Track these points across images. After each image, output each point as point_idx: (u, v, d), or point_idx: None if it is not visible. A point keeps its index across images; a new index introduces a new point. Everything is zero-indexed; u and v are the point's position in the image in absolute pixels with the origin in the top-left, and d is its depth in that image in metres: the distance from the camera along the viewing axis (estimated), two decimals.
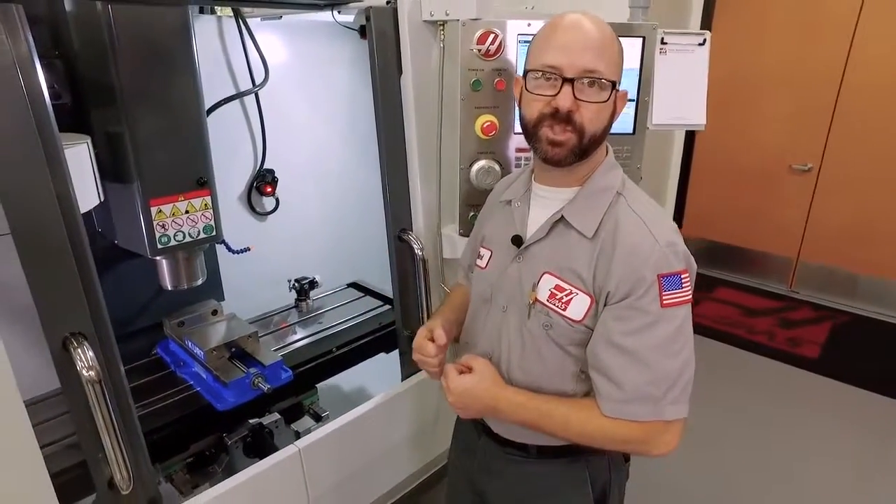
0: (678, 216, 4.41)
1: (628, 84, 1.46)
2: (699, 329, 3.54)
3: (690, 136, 4.15)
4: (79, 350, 1.03)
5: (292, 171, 2.29)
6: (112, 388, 1.13)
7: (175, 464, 1.53)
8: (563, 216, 0.99)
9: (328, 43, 2.16)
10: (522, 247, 1.03)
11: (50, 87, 1.40)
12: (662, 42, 1.51)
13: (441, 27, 1.52)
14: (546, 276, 1.00)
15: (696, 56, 1.55)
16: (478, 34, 1.43)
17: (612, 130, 1.49)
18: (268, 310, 2.14)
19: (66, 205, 1.03)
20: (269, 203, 2.29)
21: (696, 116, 1.57)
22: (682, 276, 0.92)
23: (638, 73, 1.47)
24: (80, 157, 1.31)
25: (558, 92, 0.92)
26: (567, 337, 0.99)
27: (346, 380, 2.19)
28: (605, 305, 0.94)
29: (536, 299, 1.00)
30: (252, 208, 2.25)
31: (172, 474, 1.52)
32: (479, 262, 1.14)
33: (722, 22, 3.88)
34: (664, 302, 0.91)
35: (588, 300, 0.96)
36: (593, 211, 0.97)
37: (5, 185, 0.95)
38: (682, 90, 1.54)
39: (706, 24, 3.89)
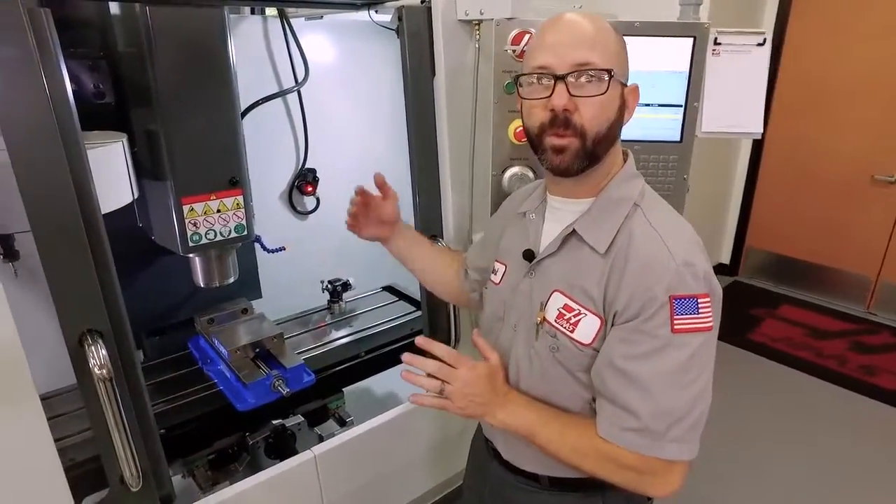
0: (741, 226, 4.15)
1: (675, 88, 1.37)
2: (759, 349, 3.36)
3: (759, 142, 3.89)
4: (92, 347, 1.04)
5: (334, 170, 2.29)
6: (127, 386, 1.14)
7: (198, 459, 1.54)
8: (574, 230, 0.92)
9: (371, 43, 2.14)
10: (534, 262, 0.97)
11: (94, 88, 1.46)
12: (716, 42, 1.39)
13: (476, 27, 1.46)
14: (556, 294, 0.93)
15: (755, 57, 1.42)
16: (512, 34, 1.37)
17: (656, 138, 1.42)
18: (305, 309, 2.15)
19: (86, 204, 1.05)
20: (309, 202, 2.31)
21: (752, 124, 1.44)
22: (700, 301, 0.82)
23: (687, 76, 1.36)
24: (114, 155, 1.34)
25: (552, 92, 0.85)
26: (575, 361, 0.91)
27: (377, 383, 2.17)
28: (612, 325, 0.87)
29: (544, 319, 0.93)
30: (293, 207, 2.27)
31: (194, 469, 1.54)
32: (493, 277, 1.08)
33: (800, 21, 3.61)
34: (675, 327, 0.82)
35: (598, 322, 0.88)
36: (607, 224, 0.89)
37: (26, 183, 0.97)
38: (736, 95, 1.41)
39: (781, 24, 3.63)
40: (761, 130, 1.45)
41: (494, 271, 1.08)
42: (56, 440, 1.24)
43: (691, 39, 1.34)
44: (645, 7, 1.69)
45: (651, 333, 0.83)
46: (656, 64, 1.36)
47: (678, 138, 1.40)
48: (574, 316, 0.90)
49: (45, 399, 1.40)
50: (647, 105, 1.39)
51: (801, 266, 3.96)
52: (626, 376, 0.84)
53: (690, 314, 0.82)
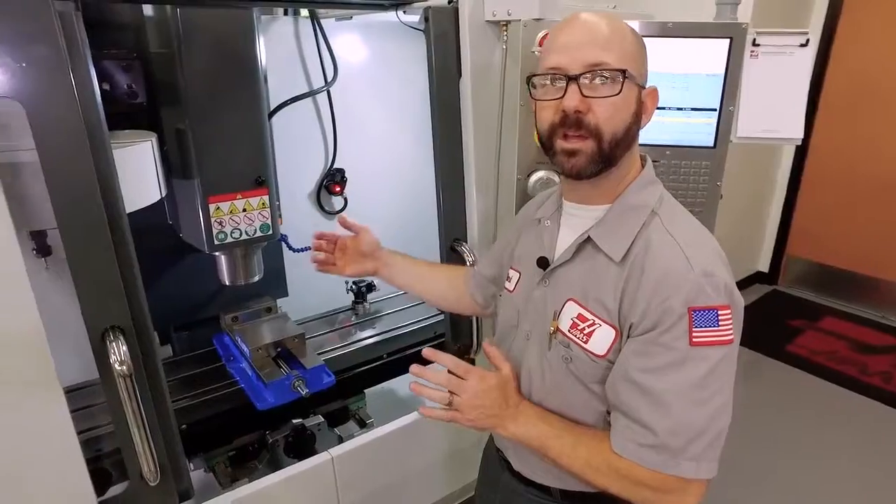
0: (782, 234, 4.00)
1: (710, 91, 1.31)
2: (798, 361, 3.22)
3: (802, 147, 3.74)
4: (114, 344, 1.06)
5: (362, 171, 2.30)
6: (147, 383, 1.16)
7: (218, 455, 1.57)
8: (589, 237, 0.89)
9: (400, 43, 2.13)
10: (548, 269, 0.94)
11: (127, 88, 1.50)
12: (754, 44, 1.32)
13: (504, 28, 1.44)
14: (570, 303, 0.90)
15: (797, 59, 1.35)
16: (540, 35, 1.34)
17: (689, 143, 1.37)
18: (330, 309, 2.16)
19: (111, 203, 1.07)
20: (337, 202, 2.32)
21: (792, 129, 1.37)
22: (720, 313, 0.79)
23: (722, 79, 1.31)
24: (142, 154, 1.37)
25: (564, 93, 0.82)
26: (589, 373, 0.88)
27: (400, 385, 2.16)
28: (628, 337, 0.84)
29: (558, 328, 0.91)
30: (321, 207, 2.28)
31: (215, 465, 1.56)
32: (507, 284, 1.06)
33: (851, 18, 3.44)
34: (694, 340, 0.78)
35: (612, 333, 0.85)
36: (623, 232, 0.86)
37: (54, 181, 1.00)
38: (775, 98, 1.35)
39: (831, 22, 3.48)
40: (801, 136, 1.38)
41: (509, 278, 1.06)
42: (83, 431, 1.29)
43: (727, 41, 1.29)
44: (681, 7, 1.64)
45: (668, 346, 0.79)
46: (690, 66, 1.31)
47: (712, 144, 1.35)
48: (588, 326, 0.87)
49: (77, 390, 1.45)
50: (680, 109, 1.34)
51: (847, 276, 3.78)
52: (641, 390, 0.81)
53: (710, 327, 0.78)
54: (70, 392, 1.41)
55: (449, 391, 0.92)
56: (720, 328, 0.79)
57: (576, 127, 0.83)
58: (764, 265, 4.12)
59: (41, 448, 1.07)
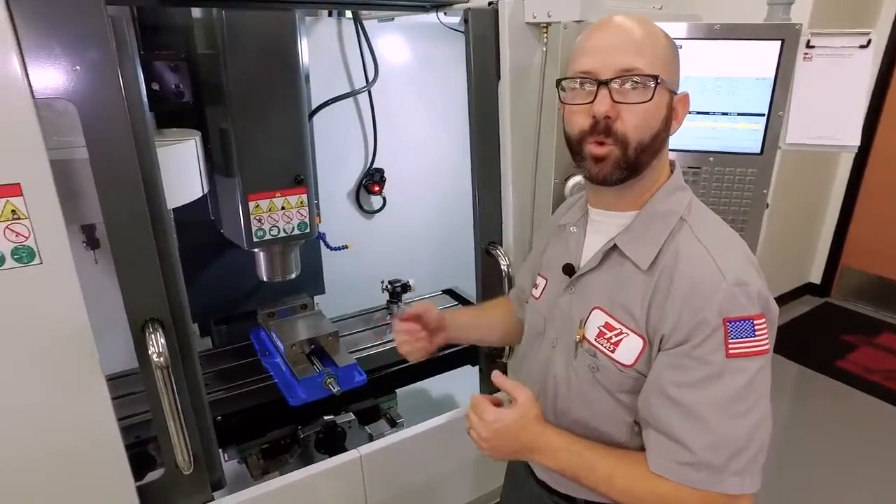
0: (836, 244, 3.81)
1: (758, 96, 1.26)
2: (850, 378, 3.06)
3: (862, 154, 3.55)
4: (153, 336, 1.10)
5: (401, 171, 2.32)
6: (184, 374, 1.20)
7: (251, 448, 1.60)
8: (616, 244, 0.86)
9: (441, 45, 2.14)
10: (574, 277, 0.92)
11: (175, 87, 1.54)
12: (808, 45, 1.26)
13: (544, 29, 1.41)
14: (596, 311, 0.88)
15: (855, 61, 1.28)
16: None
17: (734, 149, 1.32)
18: (366, 307, 2.18)
19: (153, 199, 1.10)
20: (376, 202, 2.34)
21: (848, 135, 1.30)
22: (756, 322, 0.76)
23: (772, 83, 1.25)
24: (186, 152, 1.41)
25: (594, 98, 0.80)
26: (616, 383, 0.86)
27: (432, 386, 2.17)
28: (659, 350, 0.81)
29: (584, 337, 0.89)
30: (360, 206, 2.31)
31: (248, 457, 1.60)
32: (534, 291, 1.04)
33: None
34: (730, 351, 0.75)
35: (640, 342, 0.83)
36: (651, 239, 0.84)
37: (101, 178, 1.04)
38: (830, 103, 1.28)
39: None
40: (858, 143, 1.30)
41: (536, 285, 1.04)
42: (125, 417, 1.34)
43: (779, 43, 1.23)
44: (733, 8, 1.58)
45: (703, 360, 0.77)
46: (737, 70, 1.25)
47: (758, 150, 1.29)
48: (615, 335, 0.85)
49: (122, 377, 1.50)
50: (725, 114, 1.29)
51: None
52: (677, 405, 0.79)
53: (746, 337, 0.76)
54: (116, 379, 1.48)
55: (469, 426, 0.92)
56: (756, 338, 0.76)
57: (605, 134, 0.81)
58: (816, 276, 3.94)
59: (82, 431, 1.11)
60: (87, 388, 1.09)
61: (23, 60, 0.93)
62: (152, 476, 1.32)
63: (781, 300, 3.80)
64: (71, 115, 1.02)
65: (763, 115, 1.27)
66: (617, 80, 0.79)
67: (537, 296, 1.02)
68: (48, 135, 0.98)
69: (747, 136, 1.28)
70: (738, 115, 1.28)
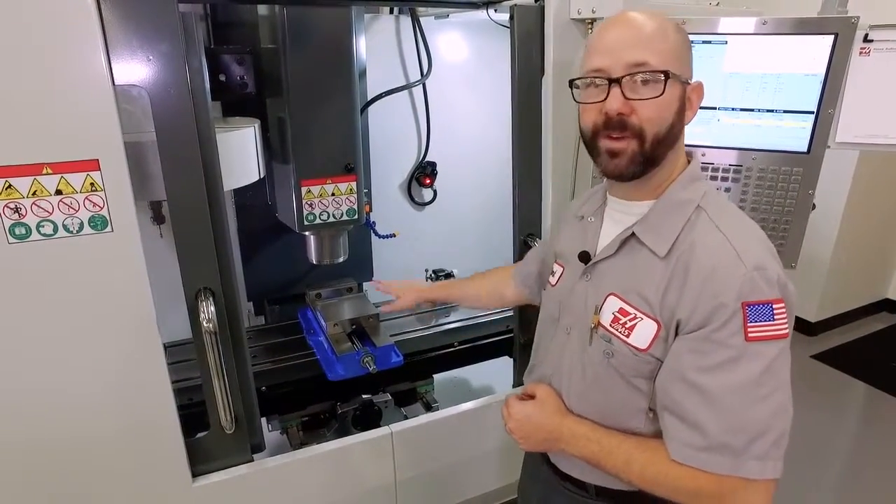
0: None
1: (807, 92, 1.23)
2: None
3: None
4: (204, 303, 1.21)
5: (452, 164, 2.37)
6: (231, 341, 1.30)
7: (292, 419, 1.71)
8: (633, 232, 0.88)
9: (494, 41, 2.17)
10: (590, 263, 0.94)
11: (239, 79, 1.67)
12: (866, 39, 1.21)
13: (589, 26, 1.43)
14: (611, 297, 0.89)
15: None
16: None
17: (778, 147, 1.28)
18: None
19: (211, 180, 1.21)
20: (427, 194, 2.41)
21: None
22: (775, 307, 0.76)
23: (822, 79, 1.21)
24: (244, 139, 1.53)
25: (606, 95, 0.82)
26: (631, 368, 0.87)
27: (471, 375, 2.21)
28: (676, 335, 0.82)
29: (599, 323, 0.90)
30: (411, 198, 2.38)
31: (288, 428, 1.70)
32: (550, 278, 1.06)
33: None
34: (749, 335, 0.76)
35: (654, 326, 0.84)
36: (668, 227, 0.85)
37: (165, 159, 1.15)
38: (886, 101, 1.22)
39: None
40: None
41: (553, 272, 1.06)
42: (179, 380, 1.46)
43: (831, 37, 1.18)
44: (786, 2, 1.52)
45: (723, 343, 0.78)
46: (784, 66, 1.22)
47: (805, 149, 1.25)
48: (630, 320, 0.86)
49: (183, 344, 1.64)
50: (771, 111, 1.25)
51: None
52: (696, 389, 0.79)
53: (765, 321, 0.76)
54: (176, 346, 1.61)
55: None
56: (775, 322, 0.77)
57: (619, 129, 0.83)
58: (894, 292, 3.67)
59: (140, 391, 1.23)
60: (144, 348, 1.21)
61: (107, 52, 1.05)
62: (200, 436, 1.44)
63: (853, 316, 3.57)
64: (141, 102, 1.15)
65: (811, 112, 1.22)
66: (628, 76, 0.81)
67: (553, 283, 1.05)
68: (124, 121, 1.10)
69: (794, 135, 1.25)
70: (784, 112, 1.24)
